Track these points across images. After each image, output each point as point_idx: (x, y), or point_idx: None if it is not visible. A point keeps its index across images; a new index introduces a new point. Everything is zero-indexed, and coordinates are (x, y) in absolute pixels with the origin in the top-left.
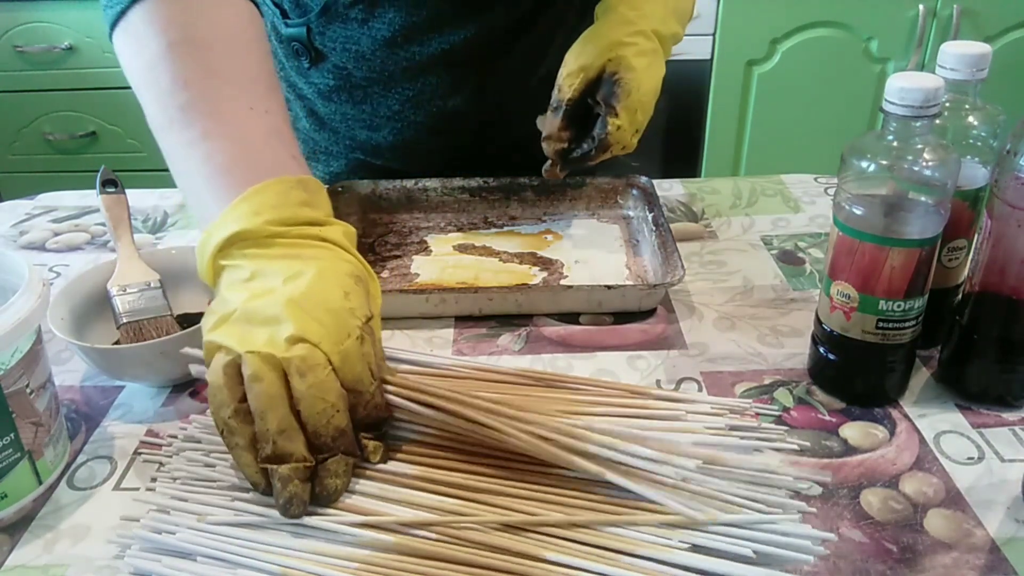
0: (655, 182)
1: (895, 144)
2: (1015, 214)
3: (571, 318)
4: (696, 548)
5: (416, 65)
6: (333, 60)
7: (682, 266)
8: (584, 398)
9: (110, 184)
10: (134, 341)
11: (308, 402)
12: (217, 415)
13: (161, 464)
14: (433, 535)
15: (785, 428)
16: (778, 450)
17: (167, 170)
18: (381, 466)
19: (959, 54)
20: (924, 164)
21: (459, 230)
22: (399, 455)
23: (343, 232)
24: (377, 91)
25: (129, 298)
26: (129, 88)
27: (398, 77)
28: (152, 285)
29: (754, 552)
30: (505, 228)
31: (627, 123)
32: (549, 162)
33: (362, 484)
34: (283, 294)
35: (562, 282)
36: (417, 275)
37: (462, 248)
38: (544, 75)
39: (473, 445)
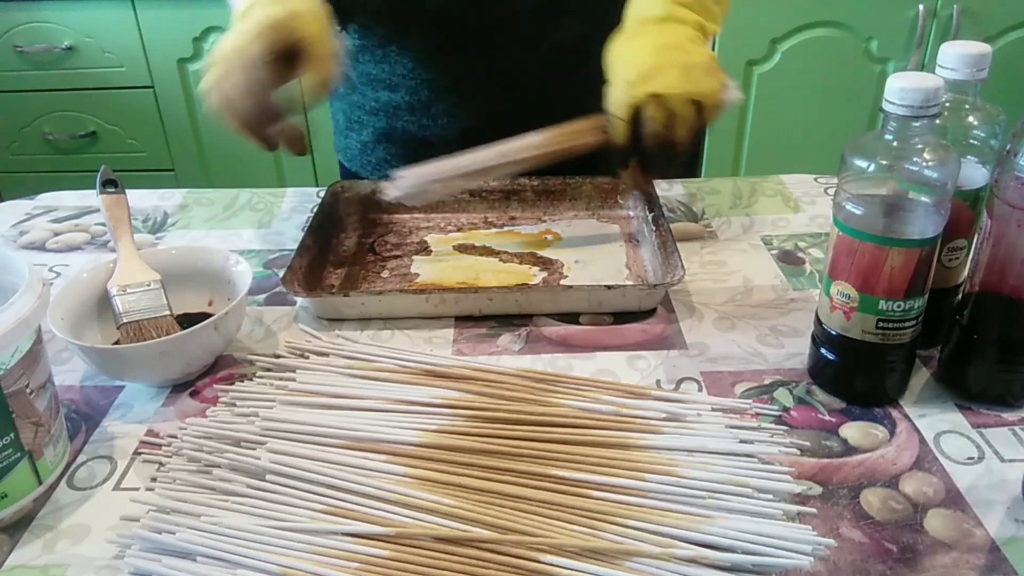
0: (655, 182)
1: (895, 144)
2: (1015, 214)
3: (571, 318)
4: (694, 552)
5: (424, 20)
6: (357, 20)
7: (682, 266)
8: (583, 398)
9: (110, 184)
10: (134, 341)
11: None
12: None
13: (161, 464)
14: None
15: (785, 428)
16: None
17: (167, 170)
18: (380, 466)
19: (959, 54)
20: (924, 164)
21: (459, 230)
22: (398, 455)
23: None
24: (394, 50)
25: (129, 298)
26: (129, 88)
27: (410, 34)
28: (152, 285)
29: (752, 557)
30: (505, 228)
31: (618, 105)
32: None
33: (361, 486)
34: None
35: (562, 282)
36: (417, 275)
37: (462, 248)
38: (549, 50)
39: (470, 447)
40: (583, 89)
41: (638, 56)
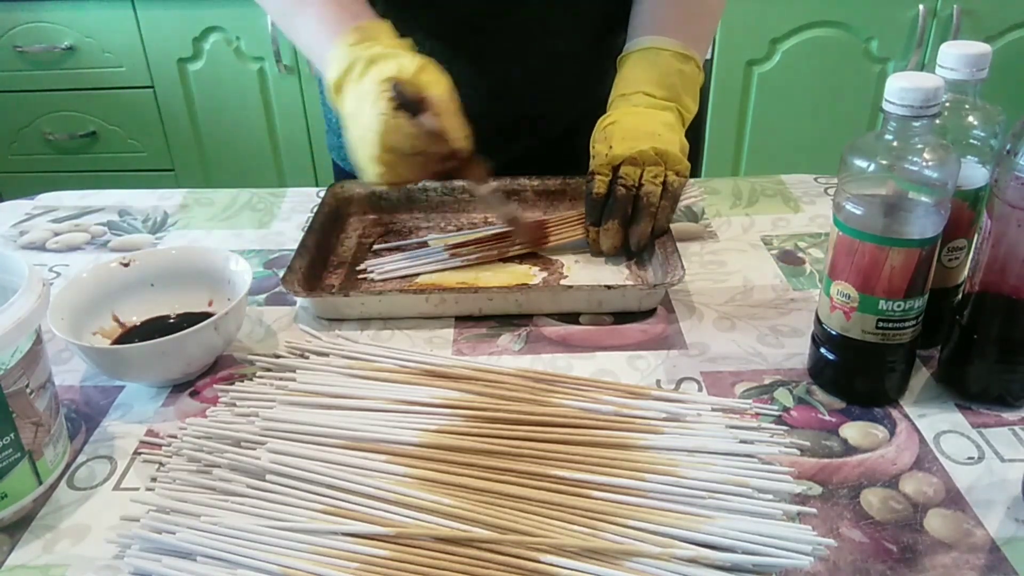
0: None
1: (895, 144)
2: (1015, 214)
3: (571, 318)
4: (694, 552)
5: (420, 30)
6: None
7: (682, 266)
8: (583, 398)
9: None
10: None
11: None
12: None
13: (161, 464)
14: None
15: (785, 428)
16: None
17: (167, 170)
18: (380, 466)
19: (959, 54)
20: (924, 164)
21: (459, 230)
22: (398, 455)
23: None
24: None
25: None
26: (129, 88)
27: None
28: None
29: (752, 557)
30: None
31: (602, 158)
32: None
33: (361, 486)
34: None
35: (562, 282)
36: (417, 275)
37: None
38: (545, 60)
39: (470, 447)
40: (578, 96)
41: (619, 130)
